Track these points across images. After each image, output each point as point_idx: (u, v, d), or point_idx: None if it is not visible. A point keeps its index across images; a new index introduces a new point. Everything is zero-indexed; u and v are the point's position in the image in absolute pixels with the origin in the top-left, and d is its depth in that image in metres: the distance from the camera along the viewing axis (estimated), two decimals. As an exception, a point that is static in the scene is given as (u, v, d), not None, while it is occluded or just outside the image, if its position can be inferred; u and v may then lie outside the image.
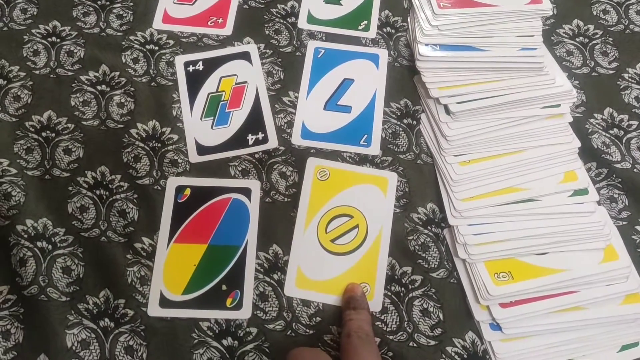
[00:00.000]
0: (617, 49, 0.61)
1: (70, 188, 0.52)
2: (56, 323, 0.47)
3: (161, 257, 0.50)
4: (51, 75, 0.58)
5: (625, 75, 0.60)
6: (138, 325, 0.48)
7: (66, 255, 0.50)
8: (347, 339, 0.44)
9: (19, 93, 0.57)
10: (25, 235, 0.50)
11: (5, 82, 0.57)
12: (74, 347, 0.46)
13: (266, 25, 0.62)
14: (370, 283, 0.50)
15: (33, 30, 0.60)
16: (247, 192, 0.53)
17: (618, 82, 0.59)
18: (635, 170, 0.55)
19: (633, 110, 0.58)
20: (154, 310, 0.48)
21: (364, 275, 0.50)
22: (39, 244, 0.50)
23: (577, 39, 0.62)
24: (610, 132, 0.57)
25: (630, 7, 0.64)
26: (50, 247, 0.50)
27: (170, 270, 0.49)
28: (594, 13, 0.64)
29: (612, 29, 0.63)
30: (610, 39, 0.62)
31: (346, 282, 0.50)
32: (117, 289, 0.49)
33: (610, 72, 0.60)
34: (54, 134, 0.55)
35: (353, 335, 0.44)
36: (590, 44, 0.62)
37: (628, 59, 0.61)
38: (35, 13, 0.61)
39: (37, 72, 0.58)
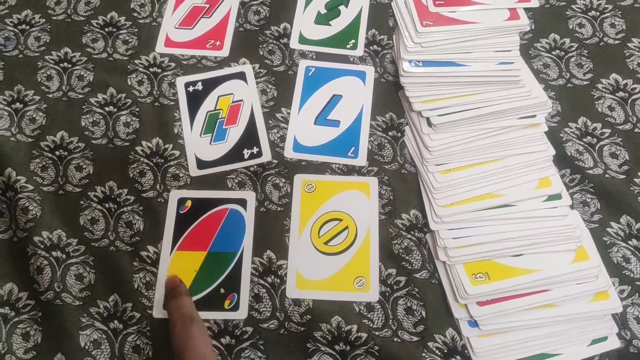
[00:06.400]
0: (591, 60, 0.65)
1: (81, 202, 0.57)
2: (70, 325, 0.51)
3: (165, 264, 0.54)
4: (63, 98, 0.63)
5: (599, 86, 0.63)
6: (144, 326, 0.52)
7: (79, 263, 0.54)
8: (172, 332, 0.46)
9: (34, 115, 0.62)
10: (42, 246, 0.54)
11: (22, 105, 0.62)
12: (87, 347, 0.51)
13: (260, 46, 0.67)
14: (366, 276, 0.54)
15: (46, 57, 0.65)
16: (243, 202, 0.57)
17: (592, 93, 0.63)
18: (606, 175, 0.58)
19: (606, 118, 0.61)
20: (159, 312, 0.52)
21: (359, 270, 0.54)
22: (54, 253, 0.54)
23: (554, 52, 0.65)
24: (584, 140, 0.60)
25: (605, 20, 0.67)
26: (64, 256, 0.54)
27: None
28: (570, 27, 0.67)
29: (587, 41, 0.66)
30: (585, 52, 0.65)
31: (343, 279, 0.54)
32: (125, 293, 0.53)
33: (585, 83, 0.63)
34: (66, 153, 0.60)
35: (177, 324, 0.46)
36: (566, 57, 0.65)
37: (602, 71, 0.64)
38: (48, 40, 0.66)
39: (51, 95, 0.63)
